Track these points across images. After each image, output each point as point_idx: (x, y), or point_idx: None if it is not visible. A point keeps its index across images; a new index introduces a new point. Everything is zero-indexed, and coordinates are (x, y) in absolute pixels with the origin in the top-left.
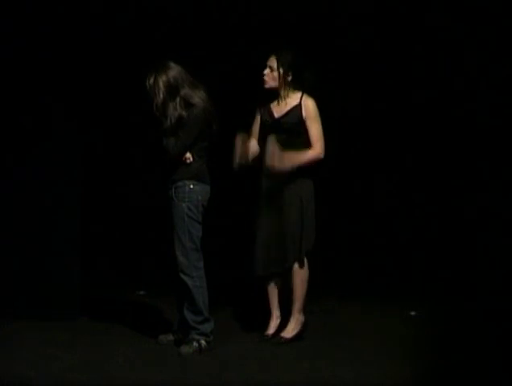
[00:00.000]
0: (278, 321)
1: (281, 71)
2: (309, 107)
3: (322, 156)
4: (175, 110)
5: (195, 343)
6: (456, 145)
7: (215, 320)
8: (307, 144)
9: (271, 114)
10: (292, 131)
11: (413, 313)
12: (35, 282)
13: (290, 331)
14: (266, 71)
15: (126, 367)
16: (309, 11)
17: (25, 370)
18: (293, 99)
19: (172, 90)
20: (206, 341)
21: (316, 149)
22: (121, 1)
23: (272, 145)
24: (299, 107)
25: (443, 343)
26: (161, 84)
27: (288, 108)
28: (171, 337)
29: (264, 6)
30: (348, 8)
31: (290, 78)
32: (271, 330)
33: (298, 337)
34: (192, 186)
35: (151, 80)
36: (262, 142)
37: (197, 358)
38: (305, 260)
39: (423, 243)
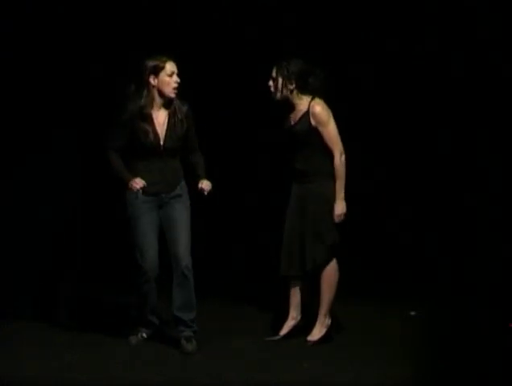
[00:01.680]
0: (293, 322)
1: (280, 80)
2: (317, 113)
3: (343, 157)
4: None
5: (194, 341)
6: (457, 146)
7: (216, 320)
8: (324, 149)
9: (288, 122)
10: (305, 138)
11: (413, 313)
12: (35, 282)
13: (316, 334)
14: (270, 82)
15: (126, 367)
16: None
17: (25, 370)
18: (303, 105)
19: None
20: None
21: (336, 156)
22: (123, 4)
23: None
24: (307, 114)
25: (443, 343)
26: None
27: (299, 115)
28: (143, 335)
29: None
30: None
31: (293, 86)
32: (284, 330)
33: (324, 340)
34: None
35: None
36: (287, 149)
37: (197, 358)
38: (333, 264)
39: (424, 243)
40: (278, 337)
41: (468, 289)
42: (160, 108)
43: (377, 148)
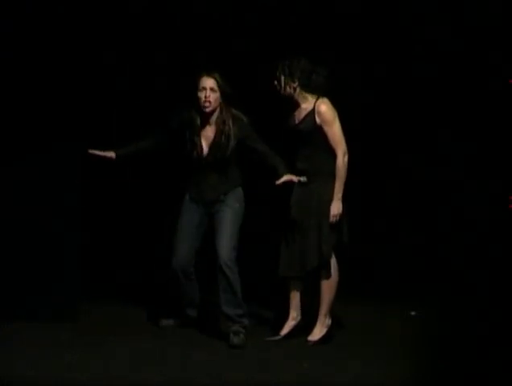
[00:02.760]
0: (294, 323)
1: (282, 79)
2: (322, 112)
3: (346, 157)
4: None
5: (242, 335)
6: (457, 146)
7: (216, 320)
8: (326, 149)
9: (292, 120)
10: (308, 137)
11: (413, 313)
12: (35, 282)
13: (316, 334)
14: (275, 81)
15: (126, 367)
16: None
17: (25, 370)
18: (308, 104)
19: None
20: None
21: (339, 156)
22: (124, 5)
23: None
24: (312, 113)
25: (443, 343)
26: None
27: (304, 113)
28: (171, 321)
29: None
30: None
31: (296, 84)
32: (285, 330)
33: (324, 340)
34: (242, 192)
35: None
36: (289, 148)
37: (197, 358)
38: (333, 264)
39: (424, 242)
40: (278, 337)
41: (468, 289)
42: (210, 122)
43: (378, 147)
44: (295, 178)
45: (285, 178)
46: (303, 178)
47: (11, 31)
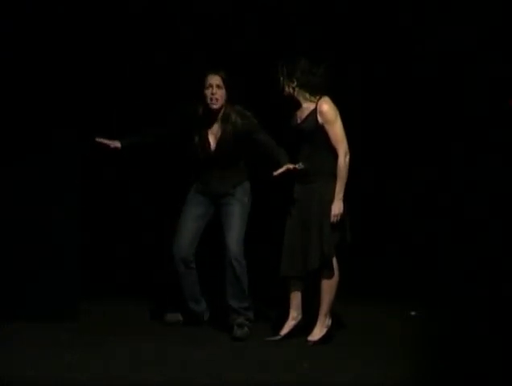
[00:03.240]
0: (294, 322)
1: (281, 79)
2: (324, 111)
3: (348, 157)
4: None
5: (246, 328)
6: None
7: (216, 320)
8: (328, 149)
9: (295, 120)
10: (310, 136)
11: (413, 313)
12: (35, 282)
13: (316, 334)
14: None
15: (126, 367)
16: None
17: (25, 370)
18: (310, 103)
19: None
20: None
21: (341, 156)
22: (124, 5)
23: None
24: (314, 112)
25: (443, 343)
26: None
27: (306, 113)
28: (179, 317)
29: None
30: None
31: (294, 84)
32: (285, 330)
33: (324, 340)
34: (249, 186)
35: None
36: (292, 146)
37: (197, 358)
38: (334, 265)
39: (424, 243)
40: (278, 337)
41: (468, 289)
42: (217, 118)
43: (378, 147)
44: (291, 166)
45: (283, 168)
46: (298, 165)
47: (11, 31)
